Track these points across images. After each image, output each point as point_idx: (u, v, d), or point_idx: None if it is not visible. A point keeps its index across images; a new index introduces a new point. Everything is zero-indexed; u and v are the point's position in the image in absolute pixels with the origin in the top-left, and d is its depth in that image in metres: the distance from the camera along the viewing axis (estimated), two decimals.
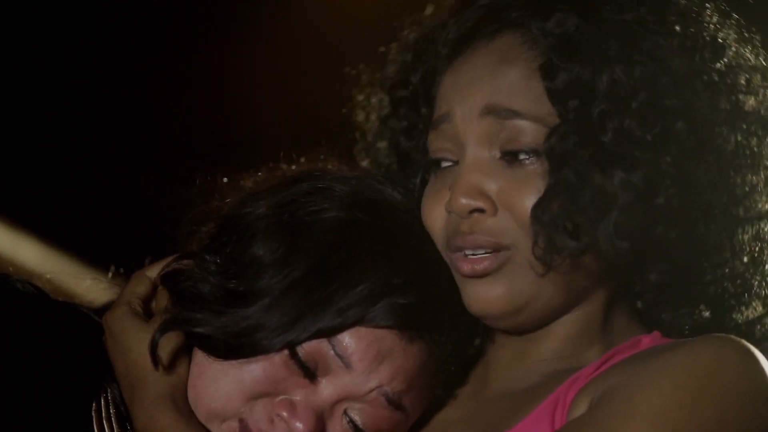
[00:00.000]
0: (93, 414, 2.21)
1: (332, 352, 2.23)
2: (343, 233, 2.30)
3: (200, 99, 4.64)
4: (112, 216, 4.39)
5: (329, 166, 2.44)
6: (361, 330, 2.24)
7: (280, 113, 4.54)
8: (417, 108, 2.49)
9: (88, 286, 2.46)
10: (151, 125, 4.64)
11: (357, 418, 2.26)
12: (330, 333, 2.23)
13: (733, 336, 2.16)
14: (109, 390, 2.25)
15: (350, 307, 2.23)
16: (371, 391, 2.25)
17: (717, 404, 2.02)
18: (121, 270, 2.49)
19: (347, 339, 2.24)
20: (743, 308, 2.36)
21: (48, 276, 2.38)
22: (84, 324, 2.32)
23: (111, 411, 2.23)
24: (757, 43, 2.37)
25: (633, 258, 2.24)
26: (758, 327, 2.38)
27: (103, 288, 2.45)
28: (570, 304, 2.30)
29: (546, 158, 2.23)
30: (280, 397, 2.24)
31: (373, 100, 2.64)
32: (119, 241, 3.24)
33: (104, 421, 2.22)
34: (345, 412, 2.26)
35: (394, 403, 2.26)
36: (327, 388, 2.25)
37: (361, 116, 2.67)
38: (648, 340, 2.26)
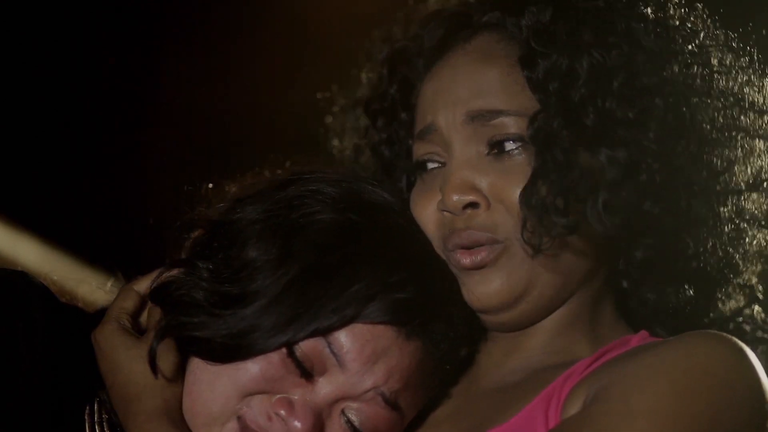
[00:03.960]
0: (86, 417, 2.21)
1: (328, 350, 2.23)
2: (337, 235, 2.30)
3: (199, 99, 4.65)
4: (113, 217, 4.40)
5: (316, 170, 2.43)
6: (358, 327, 2.24)
7: (266, 118, 4.55)
8: (396, 116, 2.53)
9: (89, 288, 2.45)
10: (149, 126, 4.65)
11: (354, 418, 2.26)
12: (326, 331, 2.23)
13: (723, 333, 2.19)
14: (102, 395, 2.24)
15: (346, 306, 2.23)
16: (367, 390, 2.25)
17: (712, 400, 2.04)
18: (120, 274, 2.47)
19: (343, 337, 2.24)
20: (726, 285, 2.40)
21: (54, 277, 2.36)
22: (85, 327, 2.31)
23: (103, 416, 2.23)
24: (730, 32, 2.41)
25: (620, 236, 2.26)
26: (740, 318, 2.42)
27: (104, 292, 2.44)
28: (564, 296, 2.32)
29: (531, 143, 2.25)
30: (278, 396, 2.24)
31: (349, 118, 2.68)
32: (120, 243, 3.24)
33: (96, 426, 2.21)
34: (343, 412, 2.26)
35: (390, 402, 2.26)
36: (324, 388, 2.24)
37: (336, 140, 2.70)
38: (636, 340, 2.28)
